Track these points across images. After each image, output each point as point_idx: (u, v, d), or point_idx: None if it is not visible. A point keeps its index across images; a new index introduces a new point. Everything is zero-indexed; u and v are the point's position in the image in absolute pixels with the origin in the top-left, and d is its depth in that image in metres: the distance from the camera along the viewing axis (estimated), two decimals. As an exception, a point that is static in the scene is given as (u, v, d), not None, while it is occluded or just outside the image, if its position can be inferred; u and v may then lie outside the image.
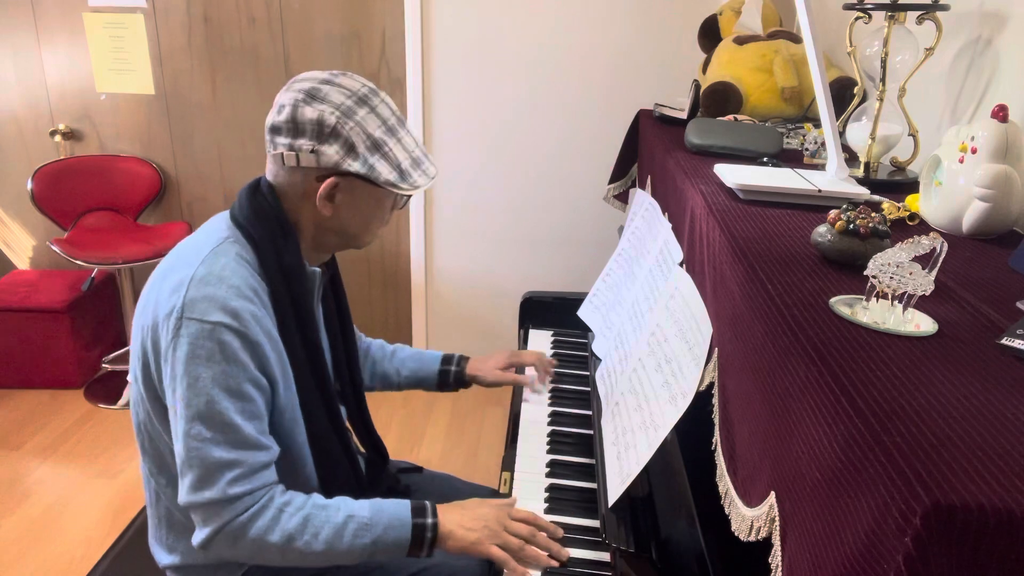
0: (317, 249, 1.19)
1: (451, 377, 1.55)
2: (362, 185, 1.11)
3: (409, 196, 1.17)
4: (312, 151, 1.07)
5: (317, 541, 1.06)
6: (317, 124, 1.06)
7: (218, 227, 1.14)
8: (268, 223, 1.12)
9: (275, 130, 1.09)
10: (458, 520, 1.13)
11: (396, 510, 1.11)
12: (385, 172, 1.09)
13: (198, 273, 1.05)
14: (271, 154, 1.11)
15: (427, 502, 1.14)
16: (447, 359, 1.56)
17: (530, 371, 1.66)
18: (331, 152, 1.07)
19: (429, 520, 1.11)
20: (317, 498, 1.11)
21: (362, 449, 1.42)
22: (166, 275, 1.09)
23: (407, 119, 2.96)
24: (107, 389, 3.02)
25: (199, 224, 3.30)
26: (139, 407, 1.14)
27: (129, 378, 1.17)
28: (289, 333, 1.13)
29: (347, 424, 1.35)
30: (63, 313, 2.92)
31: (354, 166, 1.08)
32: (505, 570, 1.12)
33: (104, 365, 3.14)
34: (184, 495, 1.04)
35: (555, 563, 1.14)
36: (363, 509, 1.10)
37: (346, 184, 1.11)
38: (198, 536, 1.05)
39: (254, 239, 1.11)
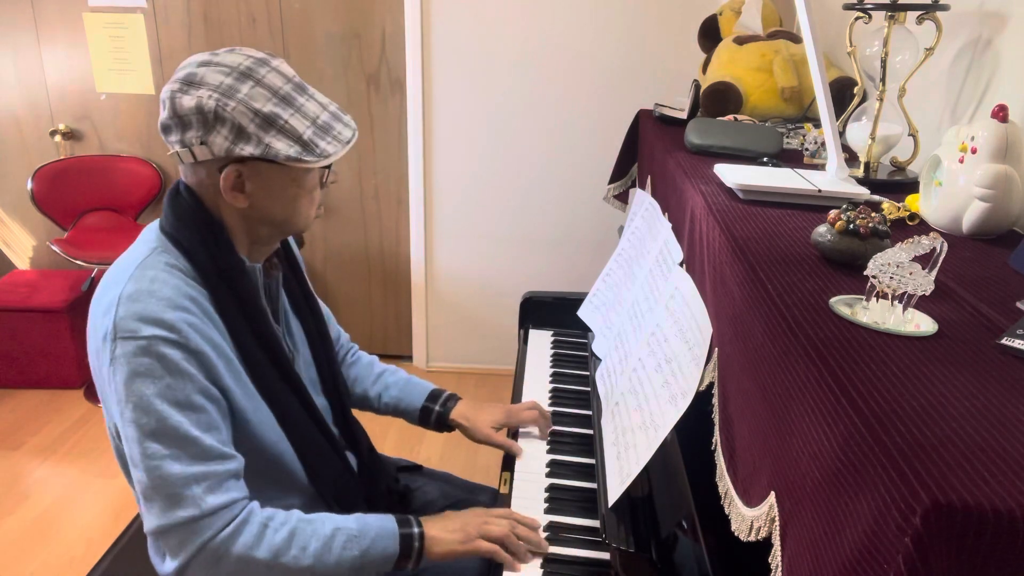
0: (254, 243, 1.12)
1: (432, 416, 1.44)
2: (270, 167, 1.03)
3: (328, 167, 1.09)
4: (202, 142, 1.00)
5: (305, 555, 1.02)
6: (198, 112, 0.98)
7: (147, 238, 1.09)
8: (193, 226, 1.05)
9: (164, 129, 1.02)
10: (440, 526, 1.14)
11: (382, 522, 1.11)
12: (284, 148, 1.00)
13: (126, 291, 0.99)
14: (168, 155, 1.07)
15: (411, 515, 1.14)
16: (434, 396, 1.45)
17: (531, 428, 1.51)
18: (219, 140, 0.99)
19: (415, 530, 1.11)
20: (299, 513, 1.08)
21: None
22: (100, 297, 1.04)
23: (407, 120, 2.97)
24: (107, 389, 3.02)
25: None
26: (112, 432, 1.09)
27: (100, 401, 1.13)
28: (242, 334, 1.07)
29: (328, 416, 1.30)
30: (63, 313, 2.92)
31: (247, 149, 0.99)
32: (504, 568, 1.13)
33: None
34: (155, 521, 0.98)
35: (537, 555, 1.16)
36: (349, 522, 1.08)
37: (250, 170, 1.03)
38: (169, 566, 0.99)
39: (183, 245, 1.05)
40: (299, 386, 1.17)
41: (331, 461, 1.22)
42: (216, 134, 0.99)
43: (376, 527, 1.09)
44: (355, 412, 1.39)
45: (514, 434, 1.50)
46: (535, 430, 1.49)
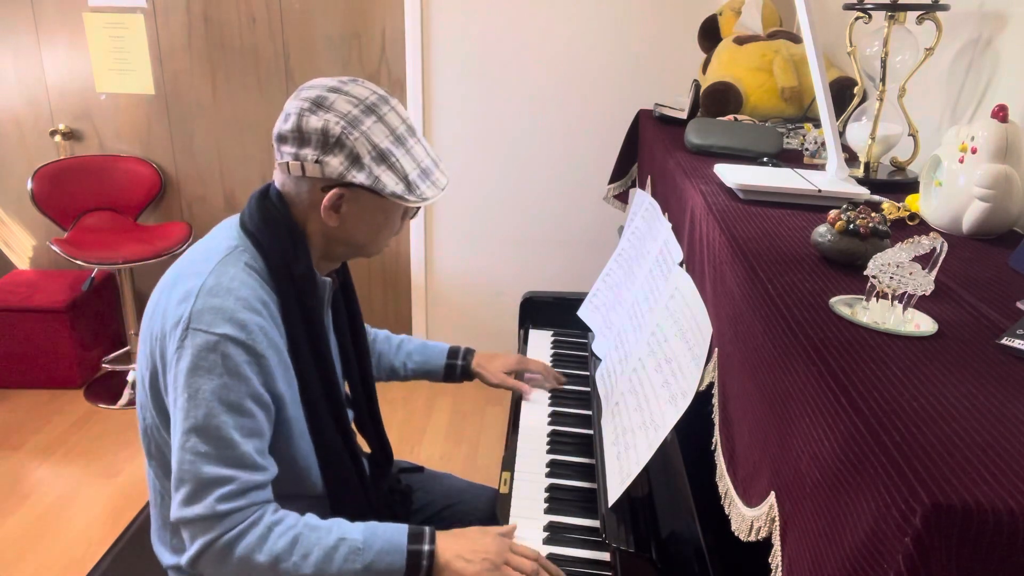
0: (326, 258, 1.18)
1: (458, 371, 1.57)
2: (368, 196, 1.09)
3: (419, 207, 1.16)
4: (317, 161, 1.05)
5: (306, 563, 1.03)
6: (322, 134, 1.04)
7: (228, 234, 1.13)
8: (278, 231, 1.10)
9: (281, 139, 1.08)
10: (457, 550, 1.09)
11: (391, 535, 1.08)
12: (391, 184, 1.07)
13: (207, 284, 1.04)
14: (278, 163, 1.10)
15: (427, 528, 1.11)
16: (453, 352, 1.57)
17: (533, 377, 1.65)
18: (335, 163, 1.05)
19: (426, 547, 1.08)
20: (310, 518, 1.08)
21: (367, 449, 1.41)
22: (175, 283, 1.08)
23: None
24: (107, 389, 3.02)
25: (199, 224, 3.29)
26: (146, 412, 1.13)
27: (135, 382, 1.16)
28: (298, 344, 1.11)
29: (354, 428, 1.34)
30: (63, 313, 2.91)
31: (359, 177, 1.06)
32: None
33: (104, 365, 3.14)
34: (175, 510, 1.03)
35: None
36: (356, 532, 1.07)
37: (352, 195, 1.09)
38: (187, 554, 1.03)
39: (264, 247, 1.10)
40: (338, 401, 1.20)
41: (349, 476, 1.23)
42: (334, 157, 1.05)
43: (383, 540, 1.07)
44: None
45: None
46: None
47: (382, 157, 1.06)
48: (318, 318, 1.14)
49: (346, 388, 1.33)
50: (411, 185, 1.08)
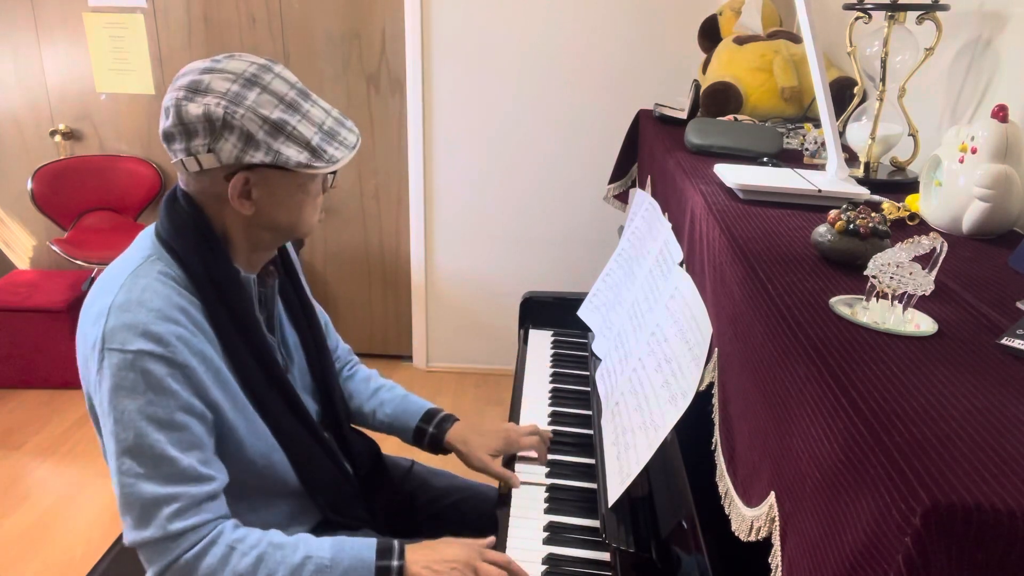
0: (254, 250, 1.11)
1: (426, 438, 1.39)
2: (275, 173, 1.02)
3: (333, 173, 1.09)
4: (209, 150, 0.98)
5: None
6: (205, 119, 0.97)
7: (142, 245, 1.07)
8: (189, 235, 1.04)
9: (167, 137, 1.00)
10: (425, 562, 1.06)
11: (359, 551, 1.05)
12: (294, 154, 0.99)
13: (117, 300, 0.99)
14: (172, 163, 1.04)
15: (395, 542, 1.07)
16: (429, 416, 1.40)
17: (526, 454, 1.44)
18: (228, 147, 0.98)
19: (395, 563, 1.05)
20: (274, 535, 1.04)
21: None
22: (90, 304, 1.03)
23: (407, 120, 2.97)
24: (107, 389, 3.02)
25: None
26: (101, 441, 1.08)
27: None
28: (234, 345, 1.07)
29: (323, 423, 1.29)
30: (63, 313, 2.92)
31: (257, 156, 0.98)
32: None
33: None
34: (127, 536, 0.98)
35: None
36: (323, 549, 1.04)
37: (257, 177, 1.02)
38: None
39: (178, 254, 1.04)
40: (292, 395, 1.16)
41: (325, 468, 1.21)
42: (224, 142, 0.98)
43: (351, 557, 1.04)
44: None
45: (512, 457, 1.43)
46: (534, 452, 1.46)
47: (277, 129, 0.99)
48: (250, 317, 1.09)
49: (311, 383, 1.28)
50: (316, 151, 1.01)
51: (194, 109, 0.97)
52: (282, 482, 1.16)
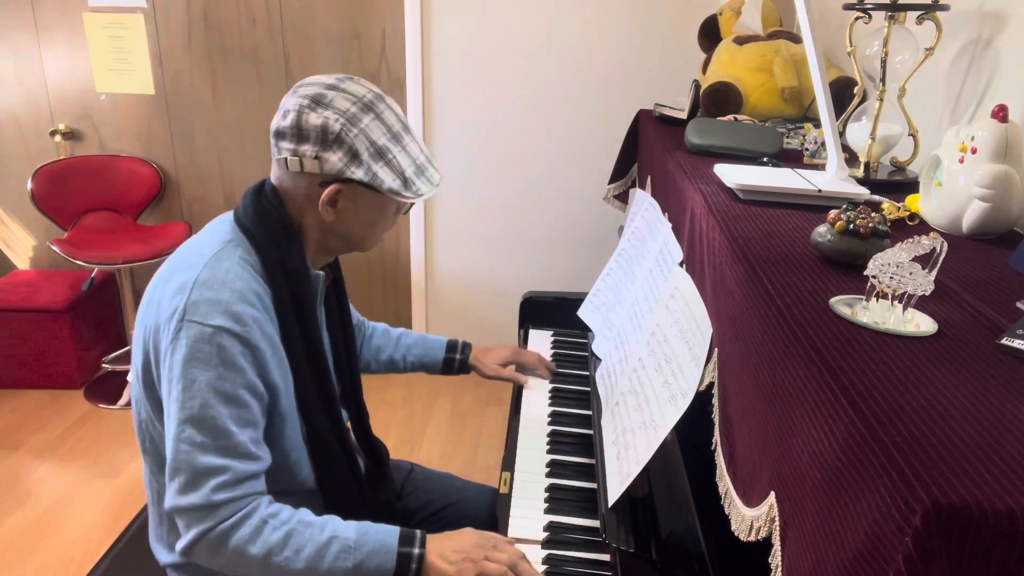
0: (321, 252, 1.19)
1: (456, 364, 1.59)
2: (365, 192, 1.11)
3: (413, 203, 1.17)
4: (316, 157, 1.07)
5: (298, 559, 1.04)
6: (321, 131, 1.06)
7: (222, 229, 1.14)
8: (272, 226, 1.12)
9: (279, 135, 1.09)
10: (440, 551, 1.09)
11: (383, 536, 1.08)
12: (388, 180, 1.09)
13: (201, 276, 1.05)
14: (275, 159, 1.11)
15: (418, 531, 1.11)
16: (452, 346, 1.59)
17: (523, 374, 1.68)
18: (335, 159, 1.07)
19: (416, 550, 1.08)
20: (304, 513, 1.08)
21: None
22: (170, 276, 1.09)
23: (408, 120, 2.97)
24: (107, 389, 3.02)
25: (199, 224, 3.28)
26: (140, 407, 1.14)
27: (130, 377, 1.17)
28: (291, 337, 1.12)
29: (347, 426, 1.35)
30: (63, 313, 2.91)
31: (357, 173, 1.07)
32: None
33: (104, 365, 3.14)
34: (170, 499, 1.03)
35: None
36: (349, 531, 1.07)
37: (349, 191, 1.10)
38: (181, 542, 1.04)
39: (257, 242, 1.11)
40: (331, 395, 1.20)
41: (342, 472, 1.24)
42: (333, 153, 1.06)
43: (375, 541, 1.07)
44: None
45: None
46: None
47: (380, 154, 1.08)
48: (311, 311, 1.15)
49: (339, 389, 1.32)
50: (407, 181, 1.10)
51: (314, 119, 1.06)
52: (299, 481, 1.19)
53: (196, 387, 1.02)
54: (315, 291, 1.18)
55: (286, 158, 1.09)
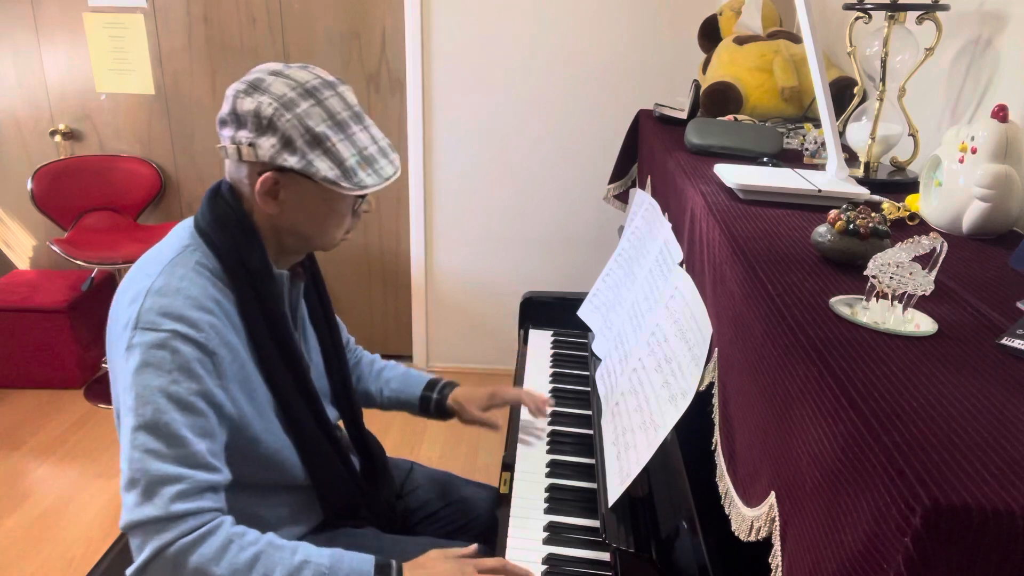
0: (283, 251, 1.15)
1: (432, 404, 1.46)
2: (307, 183, 1.06)
3: (362, 197, 1.12)
4: (250, 144, 1.04)
5: None
6: (255, 115, 1.02)
7: (181, 235, 1.11)
8: (229, 227, 1.08)
9: (221, 122, 1.07)
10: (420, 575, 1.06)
11: (357, 564, 1.04)
12: (323, 169, 1.03)
13: (155, 284, 1.02)
14: (217, 147, 1.08)
15: (393, 562, 1.06)
16: (431, 384, 1.48)
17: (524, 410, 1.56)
18: (267, 145, 1.03)
19: None
20: (273, 537, 1.03)
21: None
22: (127, 287, 1.06)
23: (407, 120, 2.97)
24: (107, 389, 3.00)
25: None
26: (117, 420, 1.08)
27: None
28: (262, 339, 1.09)
29: (340, 424, 1.33)
30: (63, 313, 2.92)
31: (290, 161, 1.03)
32: None
33: (104, 365, 3.14)
34: (126, 515, 0.97)
35: None
36: (323, 557, 1.03)
37: (288, 181, 1.06)
38: (135, 563, 0.97)
39: (216, 245, 1.08)
40: (312, 395, 1.18)
41: (335, 469, 1.22)
42: (266, 139, 1.03)
43: (349, 568, 1.03)
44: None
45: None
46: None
47: (316, 141, 1.03)
48: (279, 311, 1.12)
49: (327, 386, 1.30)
50: (348, 172, 1.05)
51: (248, 104, 1.03)
52: (291, 477, 1.17)
53: (148, 393, 0.97)
54: (280, 291, 1.14)
55: (225, 146, 1.07)
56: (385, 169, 1.09)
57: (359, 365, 1.51)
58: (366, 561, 1.05)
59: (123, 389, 1.00)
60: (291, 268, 1.19)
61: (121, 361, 1.01)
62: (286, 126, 1.02)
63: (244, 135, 1.04)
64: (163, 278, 1.03)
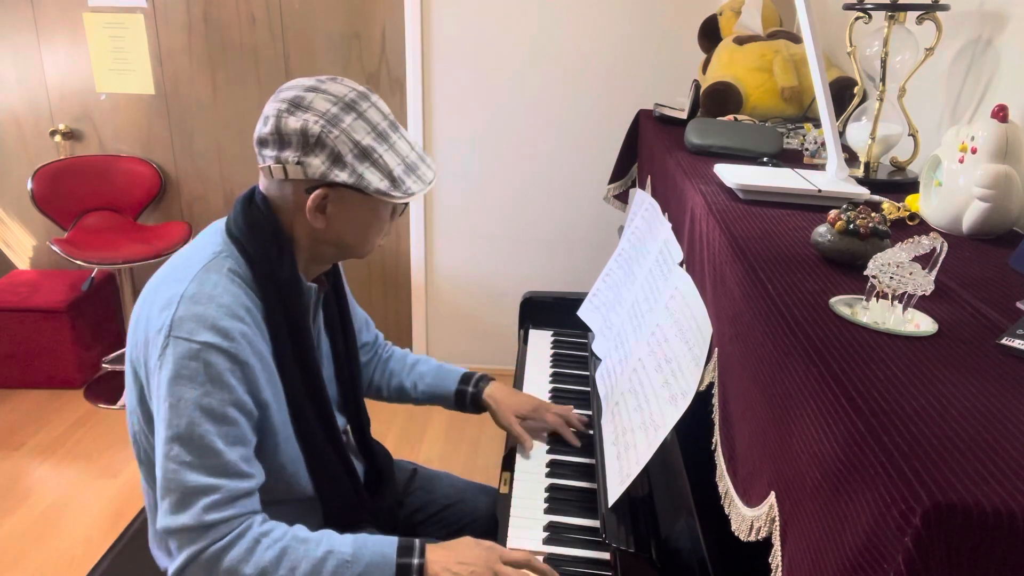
0: (315, 261, 1.16)
1: (467, 398, 1.48)
2: (353, 195, 1.07)
3: (406, 203, 1.14)
4: (298, 163, 1.04)
5: None
6: (301, 134, 1.03)
7: (212, 240, 1.11)
8: (263, 236, 1.09)
9: (262, 143, 1.06)
10: (445, 562, 1.06)
11: (381, 547, 1.06)
12: (375, 181, 1.05)
13: (188, 291, 1.02)
14: (260, 167, 1.08)
15: (416, 540, 1.08)
16: (466, 378, 1.49)
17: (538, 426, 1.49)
18: (317, 163, 1.03)
19: (415, 560, 1.06)
20: (298, 530, 1.06)
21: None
22: (158, 289, 1.07)
23: (407, 120, 2.97)
24: (107, 389, 3.02)
25: (199, 224, 3.30)
26: (133, 416, 1.12)
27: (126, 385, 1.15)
28: (283, 350, 1.10)
29: (348, 433, 1.33)
30: (63, 313, 2.91)
31: (342, 176, 1.04)
32: None
33: (104, 365, 3.14)
34: (161, 519, 1.00)
35: None
36: (345, 545, 1.05)
37: (336, 195, 1.07)
38: (173, 566, 1.00)
39: (248, 253, 1.08)
40: (326, 405, 1.18)
41: (341, 481, 1.23)
42: (315, 157, 1.03)
43: (372, 553, 1.05)
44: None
45: (512, 455, 1.46)
46: (534, 448, 1.47)
47: (364, 154, 1.05)
48: (304, 324, 1.13)
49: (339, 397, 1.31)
50: (396, 181, 1.07)
51: (293, 122, 1.03)
52: (297, 487, 1.18)
53: (182, 405, 0.99)
54: (307, 303, 1.15)
55: (269, 166, 1.06)
56: (427, 174, 1.11)
57: (391, 360, 1.51)
58: (388, 544, 1.07)
59: (158, 396, 1.02)
60: (315, 278, 1.20)
61: (154, 366, 1.02)
62: (335, 142, 1.03)
63: (290, 154, 1.04)
64: (196, 284, 1.03)
